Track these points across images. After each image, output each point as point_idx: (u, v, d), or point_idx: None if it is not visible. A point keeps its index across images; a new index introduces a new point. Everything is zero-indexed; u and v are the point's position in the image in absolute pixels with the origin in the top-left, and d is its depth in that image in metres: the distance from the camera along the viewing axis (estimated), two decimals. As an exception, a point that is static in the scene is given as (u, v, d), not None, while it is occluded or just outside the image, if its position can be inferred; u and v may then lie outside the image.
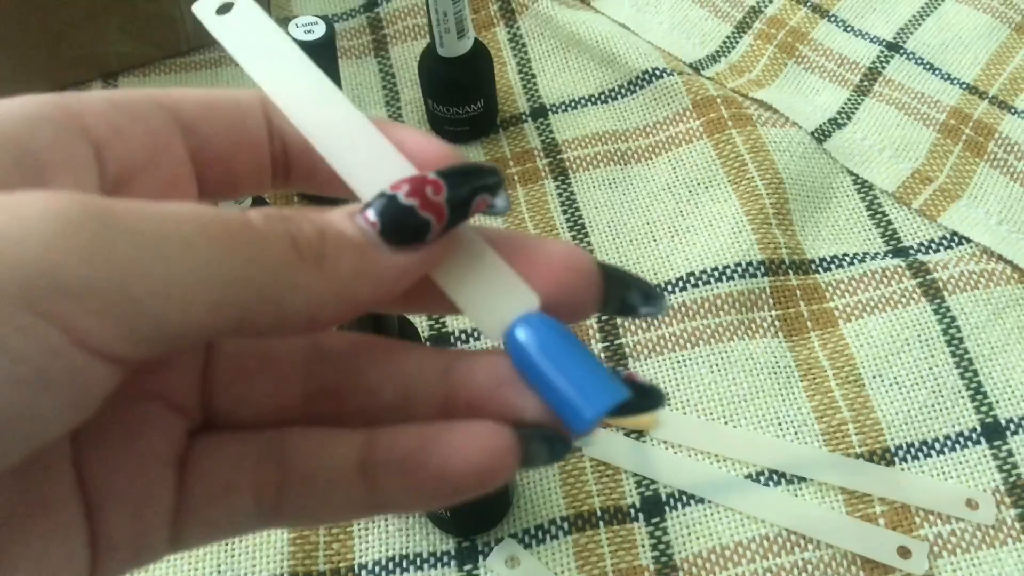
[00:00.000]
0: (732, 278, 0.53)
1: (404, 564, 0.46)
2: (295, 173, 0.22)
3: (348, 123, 0.21)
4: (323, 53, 0.52)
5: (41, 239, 0.15)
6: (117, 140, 0.19)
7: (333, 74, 0.54)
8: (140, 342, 0.16)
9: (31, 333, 0.15)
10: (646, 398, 0.20)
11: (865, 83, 0.63)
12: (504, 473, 0.19)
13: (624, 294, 0.21)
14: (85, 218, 0.16)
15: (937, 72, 0.64)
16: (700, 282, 0.54)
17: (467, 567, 0.46)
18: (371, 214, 0.19)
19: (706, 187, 0.58)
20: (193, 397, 0.21)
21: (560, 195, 0.58)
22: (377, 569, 0.45)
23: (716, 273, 0.54)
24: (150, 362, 0.17)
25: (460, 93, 0.58)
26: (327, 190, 0.22)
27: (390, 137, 0.21)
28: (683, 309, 0.53)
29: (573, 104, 0.63)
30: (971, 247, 0.55)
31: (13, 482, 0.18)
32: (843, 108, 0.62)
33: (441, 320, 0.53)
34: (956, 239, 0.56)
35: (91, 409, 0.17)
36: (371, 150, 0.21)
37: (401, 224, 0.19)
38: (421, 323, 0.53)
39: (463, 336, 0.53)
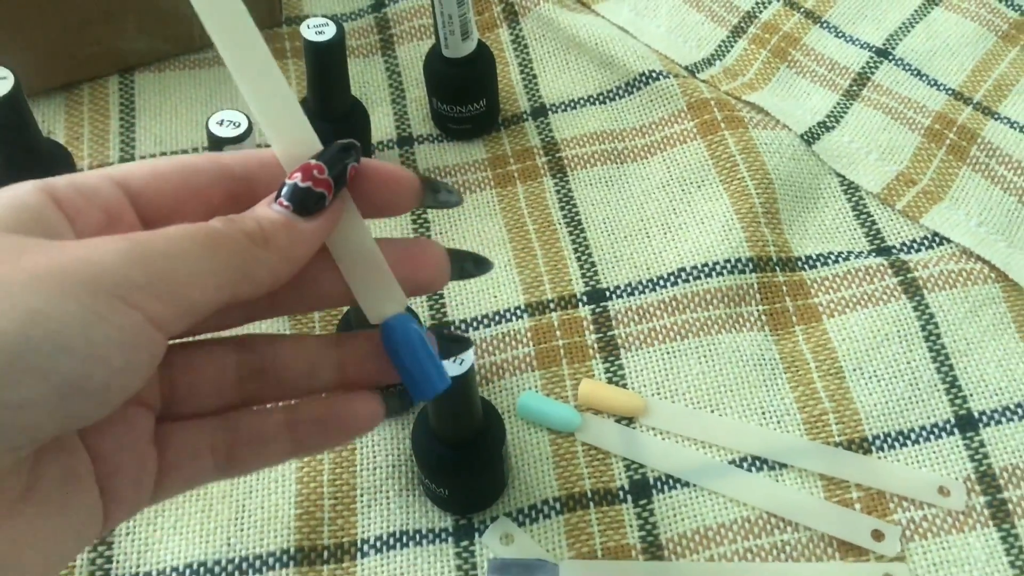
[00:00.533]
0: (721, 274, 0.56)
1: (404, 539, 0.48)
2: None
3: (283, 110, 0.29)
4: (333, 52, 0.54)
5: (112, 258, 0.24)
6: (81, 215, 0.27)
7: (342, 72, 0.57)
8: (181, 316, 0.25)
9: (125, 313, 0.23)
10: (456, 343, 0.34)
11: (854, 88, 0.66)
12: (376, 422, 0.31)
13: (463, 265, 0.33)
14: (131, 246, 0.24)
15: (924, 78, 0.66)
16: (691, 277, 0.56)
17: (463, 543, 0.48)
18: (283, 200, 0.27)
19: (699, 186, 0.60)
20: (155, 396, 0.29)
21: (558, 192, 0.61)
22: (378, 544, 0.48)
23: (706, 269, 0.56)
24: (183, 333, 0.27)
25: (463, 93, 0.60)
26: None
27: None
28: (674, 303, 0.55)
29: (572, 104, 0.65)
30: (951, 247, 0.58)
31: (55, 456, 0.26)
32: (832, 112, 0.64)
33: (442, 311, 0.56)
34: (937, 239, 0.58)
35: (151, 373, 0.25)
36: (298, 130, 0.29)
37: (305, 200, 0.27)
38: (424, 316, 0.56)
39: (462, 326, 0.55)
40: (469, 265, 0.33)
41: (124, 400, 0.24)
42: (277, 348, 0.31)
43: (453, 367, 0.40)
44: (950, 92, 0.65)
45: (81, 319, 0.22)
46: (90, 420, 0.24)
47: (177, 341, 0.30)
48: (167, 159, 0.29)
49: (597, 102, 0.65)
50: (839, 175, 0.61)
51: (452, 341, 0.34)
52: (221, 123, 0.48)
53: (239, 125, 0.48)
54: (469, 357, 0.41)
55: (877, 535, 0.48)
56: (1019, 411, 0.52)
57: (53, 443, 0.25)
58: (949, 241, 0.58)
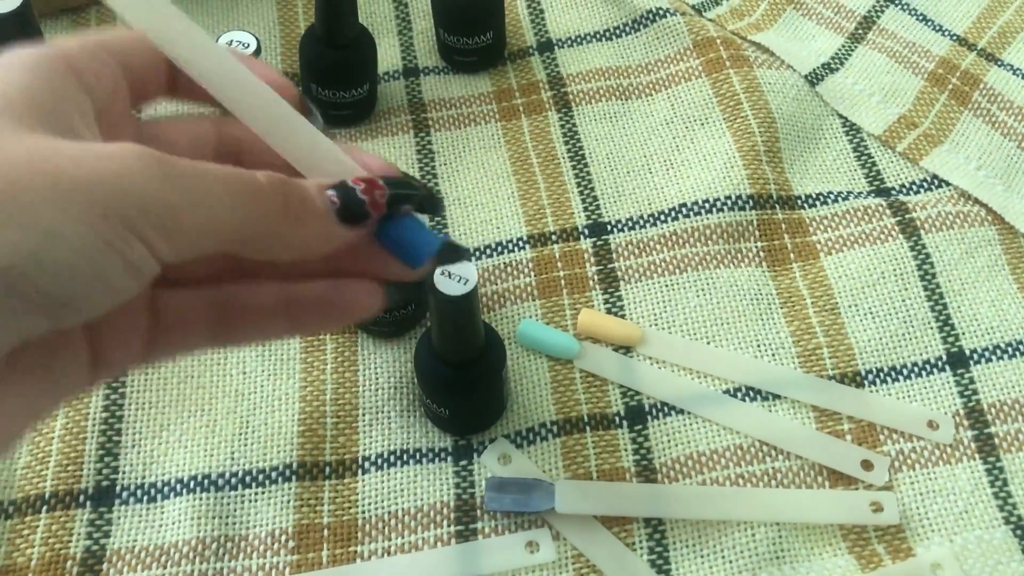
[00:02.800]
0: (722, 210, 0.56)
1: (404, 458, 0.49)
2: (179, 90, 0.30)
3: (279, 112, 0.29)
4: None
5: (131, 176, 0.23)
6: (98, 84, 0.27)
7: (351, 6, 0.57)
8: (178, 253, 0.25)
9: (132, 242, 0.23)
10: (454, 252, 0.32)
11: (860, 31, 0.66)
12: (376, 308, 0.31)
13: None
14: (154, 163, 0.24)
15: (929, 23, 0.66)
16: (691, 213, 0.57)
17: (462, 462, 0.49)
18: (333, 196, 0.28)
19: (702, 124, 0.61)
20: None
21: (563, 127, 0.61)
22: (379, 461, 0.49)
23: (707, 205, 0.57)
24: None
25: (471, 24, 0.61)
26: (199, 101, 0.30)
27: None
28: (674, 238, 0.56)
29: (578, 40, 0.65)
30: (949, 190, 0.58)
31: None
32: (837, 54, 0.64)
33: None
34: (936, 182, 0.59)
35: (144, 287, 0.25)
36: (315, 143, 0.29)
37: (353, 211, 0.28)
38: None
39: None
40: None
41: (111, 310, 0.25)
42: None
43: (458, 286, 0.41)
44: (955, 38, 0.65)
45: (91, 246, 0.23)
46: (73, 325, 0.25)
47: None
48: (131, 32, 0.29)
49: (603, 38, 0.65)
50: (841, 116, 0.62)
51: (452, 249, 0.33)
52: (230, 43, 0.49)
53: (248, 46, 0.49)
54: (472, 276, 0.41)
55: (866, 465, 0.49)
56: (1009, 350, 0.53)
57: None
58: (948, 184, 0.59)
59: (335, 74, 0.58)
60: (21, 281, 0.22)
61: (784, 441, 0.50)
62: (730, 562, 0.46)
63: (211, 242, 0.25)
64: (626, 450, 0.50)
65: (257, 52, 0.48)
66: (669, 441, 0.50)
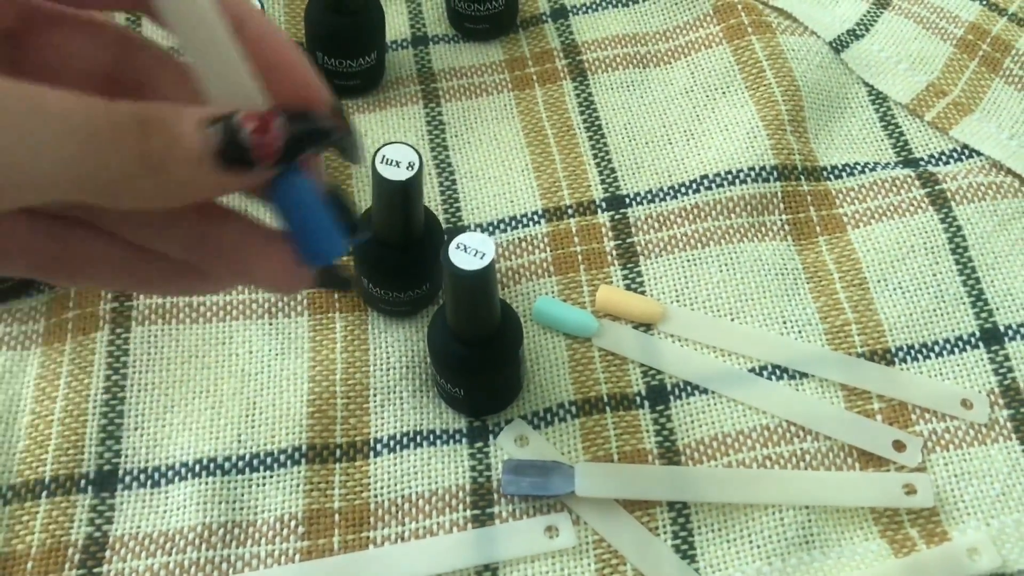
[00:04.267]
0: (745, 182, 0.54)
1: (418, 439, 0.47)
2: None
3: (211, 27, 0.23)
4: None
5: None
6: None
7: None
8: None
9: None
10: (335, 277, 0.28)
11: (885, -4, 0.63)
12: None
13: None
14: None
15: (958, -12, 0.64)
16: (713, 185, 0.55)
17: (478, 444, 0.47)
18: (215, 132, 0.21)
19: (723, 92, 0.58)
20: None
21: (578, 96, 0.59)
22: (392, 443, 0.47)
23: (729, 176, 0.55)
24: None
25: (482, -11, 0.58)
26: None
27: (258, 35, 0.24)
28: (695, 211, 0.54)
29: (594, 6, 0.63)
30: (981, 160, 0.56)
31: None
32: (862, 20, 0.62)
33: (458, 215, 0.55)
34: (967, 152, 0.57)
35: None
36: (228, 62, 0.23)
37: (236, 151, 0.21)
38: (441, 219, 0.54)
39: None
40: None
41: None
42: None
43: (474, 260, 0.39)
44: (984, 3, 0.63)
45: None
46: None
47: None
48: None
49: (620, 4, 0.63)
50: (867, 84, 0.60)
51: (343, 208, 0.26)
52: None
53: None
54: (490, 251, 0.39)
55: (898, 445, 0.47)
56: (1045, 326, 0.51)
57: None
58: (979, 153, 0.56)
59: (341, 42, 0.56)
60: None
61: (812, 421, 0.48)
62: (758, 547, 0.45)
63: (34, 194, 0.19)
64: (648, 431, 0.48)
65: (261, 16, 0.46)
66: (692, 422, 0.48)
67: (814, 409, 0.48)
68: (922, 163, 0.56)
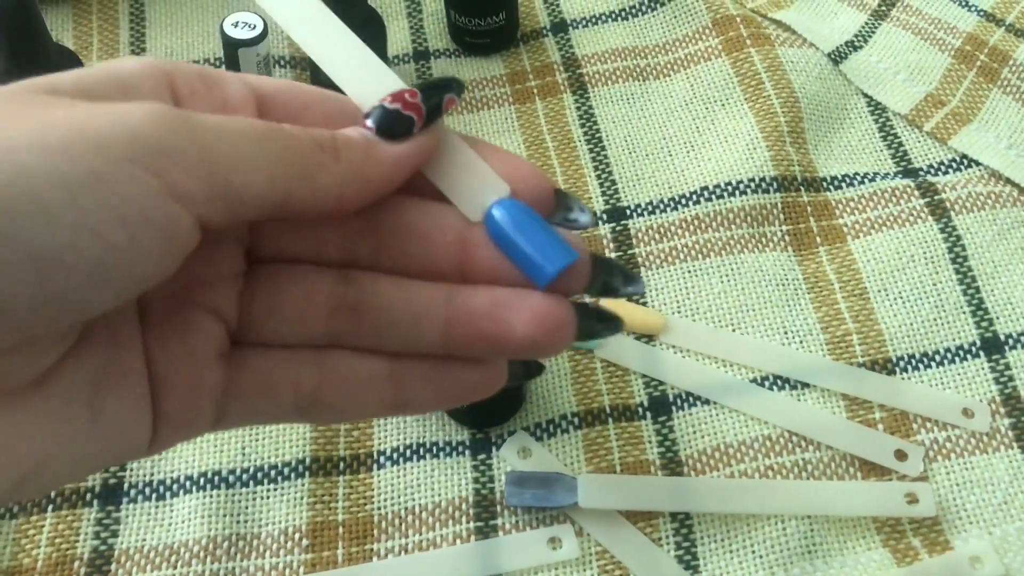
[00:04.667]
0: (745, 193, 0.55)
1: (421, 452, 0.48)
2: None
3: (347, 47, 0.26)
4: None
5: (142, 119, 0.20)
6: (196, 98, 0.24)
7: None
8: (218, 199, 0.21)
9: (137, 179, 0.20)
10: (605, 322, 0.27)
11: (883, 7, 0.64)
12: (497, 388, 0.26)
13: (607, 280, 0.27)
14: (173, 113, 0.21)
15: (955, -1, 0.64)
16: (713, 196, 0.55)
17: (480, 456, 0.48)
18: (368, 122, 0.25)
19: (723, 104, 0.59)
20: (232, 307, 0.25)
21: (579, 109, 0.59)
22: (395, 456, 0.47)
23: (730, 188, 0.55)
24: (222, 228, 0.22)
25: (482, 4, 0.59)
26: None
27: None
28: (696, 222, 0.54)
29: (594, 20, 0.63)
30: (980, 170, 0.56)
31: (101, 350, 0.23)
32: (860, 31, 0.62)
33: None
34: (965, 162, 0.57)
35: (175, 263, 0.21)
36: (365, 67, 0.26)
37: (391, 123, 0.24)
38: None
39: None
40: (618, 281, 0.27)
41: (134, 290, 0.21)
42: (380, 285, 0.26)
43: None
44: (982, 13, 0.63)
45: (74, 180, 0.19)
46: (88, 308, 0.21)
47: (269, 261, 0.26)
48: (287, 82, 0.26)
49: (620, 18, 0.63)
50: (866, 95, 0.60)
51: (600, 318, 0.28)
52: (236, 24, 0.47)
53: (254, 27, 0.47)
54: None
55: (900, 455, 0.47)
56: (1046, 334, 0.51)
57: (99, 329, 0.23)
58: (978, 163, 0.57)
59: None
60: (16, 243, 0.18)
61: (814, 431, 0.48)
62: (760, 556, 0.45)
63: (247, 182, 0.22)
64: (650, 442, 0.48)
65: (263, 34, 0.46)
66: (695, 432, 0.48)
67: (815, 419, 0.48)
68: (921, 173, 0.57)
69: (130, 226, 0.20)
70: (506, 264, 0.25)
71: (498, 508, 0.46)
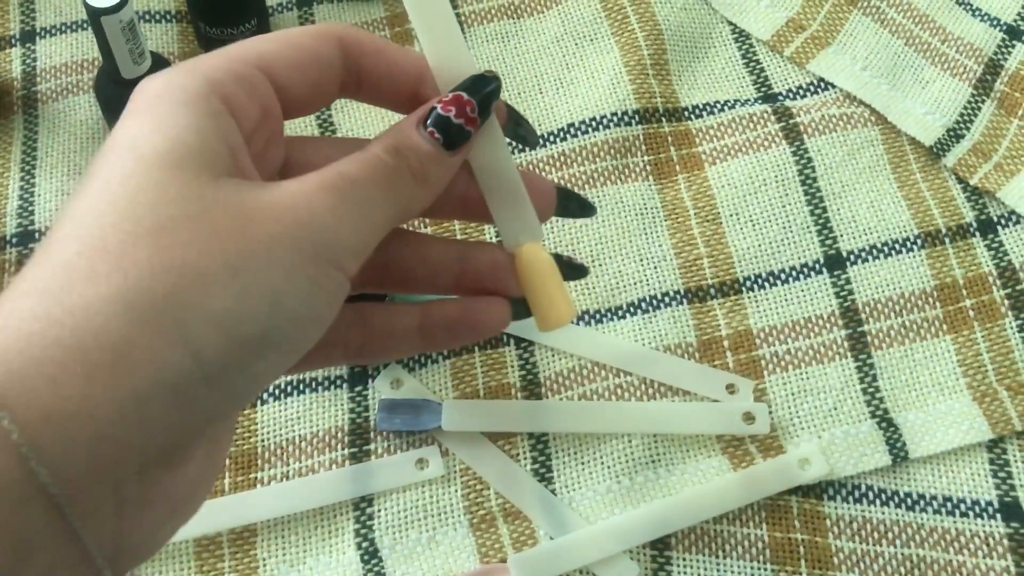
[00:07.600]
0: (608, 127, 0.58)
1: (301, 387, 0.52)
2: (364, 91, 0.31)
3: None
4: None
5: (329, 217, 0.26)
6: (246, 111, 0.27)
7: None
8: (359, 261, 0.27)
9: (335, 278, 0.26)
10: (576, 271, 0.35)
11: (753, -67, 0.65)
12: (503, 327, 0.33)
13: (567, 203, 0.34)
14: (337, 192, 0.26)
15: (824, -80, 0.66)
16: (579, 132, 0.58)
17: (357, 388, 0.52)
18: (435, 131, 0.29)
19: (591, 40, 0.61)
20: None
21: (455, 50, 0.62)
22: (277, 392, 0.52)
23: (594, 123, 0.58)
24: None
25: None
26: (385, 103, 0.32)
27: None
28: (562, 158, 0.58)
29: (469, -40, 0.65)
30: (835, 92, 0.59)
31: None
32: (728, -42, 0.64)
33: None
34: (822, 85, 0.60)
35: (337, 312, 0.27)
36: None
37: (454, 135, 0.29)
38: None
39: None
40: (574, 204, 0.34)
41: (320, 333, 0.27)
42: (401, 248, 0.32)
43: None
44: (849, -66, 0.65)
45: (308, 291, 0.25)
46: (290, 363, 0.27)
47: None
48: (298, 35, 0.29)
49: (494, -43, 0.65)
50: (730, 23, 0.62)
51: (572, 268, 0.35)
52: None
53: None
54: None
55: (730, 388, 0.51)
56: (885, 249, 0.55)
57: None
58: (833, 86, 0.59)
59: (219, 7, 0.58)
60: (264, 340, 0.24)
61: (660, 374, 0.52)
62: (608, 467, 0.49)
63: (377, 239, 0.28)
64: (512, 367, 0.52)
65: (123, 2, 0.49)
66: (553, 355, 0.52)
67: (656, 358, 0.52)
68: (779, 98, 0.60)
69: (333, 310, 0.27)
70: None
71: (371, 435, 0.51)
